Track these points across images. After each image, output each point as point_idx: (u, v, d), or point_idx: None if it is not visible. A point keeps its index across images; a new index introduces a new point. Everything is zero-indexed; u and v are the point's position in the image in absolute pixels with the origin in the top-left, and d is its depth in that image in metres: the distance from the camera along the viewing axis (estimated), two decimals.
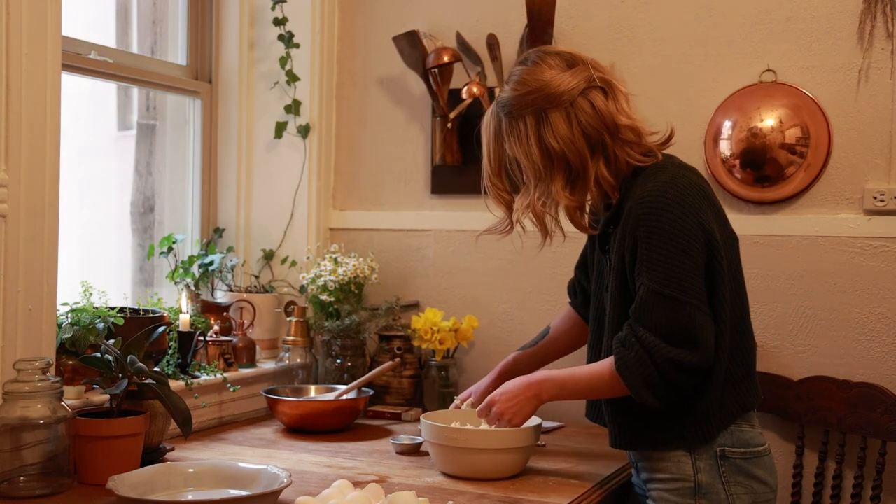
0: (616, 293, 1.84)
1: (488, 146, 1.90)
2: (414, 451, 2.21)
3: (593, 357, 1.95)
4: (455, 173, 2.85)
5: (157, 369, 2.07)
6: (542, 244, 1.92)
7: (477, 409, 2.00)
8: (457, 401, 2.22)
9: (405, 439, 2.24)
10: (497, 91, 2.71)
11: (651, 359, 1.73)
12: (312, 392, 2.57)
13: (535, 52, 1.88)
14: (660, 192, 1.75)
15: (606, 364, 1.81)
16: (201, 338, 2.41)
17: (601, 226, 1.91)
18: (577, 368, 1.91)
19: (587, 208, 1.90)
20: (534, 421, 2.02)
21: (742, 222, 2.51)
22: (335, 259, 2.79)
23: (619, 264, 1.82)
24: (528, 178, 1.85)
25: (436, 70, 2.76)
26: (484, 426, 2.04)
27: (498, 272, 2.81)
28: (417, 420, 2.53)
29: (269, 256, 2.96)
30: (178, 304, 2.46)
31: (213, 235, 2.99)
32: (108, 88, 2.89)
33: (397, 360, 2.66)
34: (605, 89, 1.82)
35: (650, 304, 1.73)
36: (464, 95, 2.75)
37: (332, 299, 2.75)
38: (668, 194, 1.74)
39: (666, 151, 1.90)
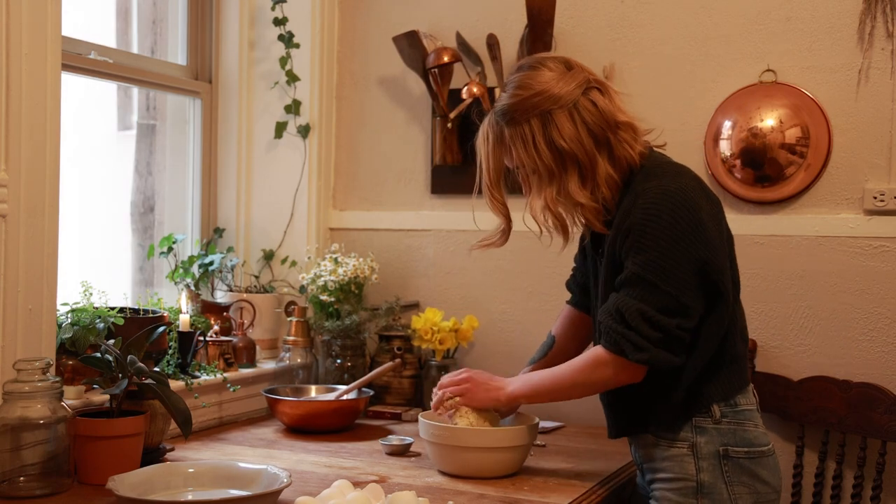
0: (608, 289, 1.84)
1: (487, 157, 1.89)
2: (403, 451, 2.21)
3: None
4: (455, 173, 2.85)
5: (157, 369, 2.07)
6: (564, 245, 1.90)
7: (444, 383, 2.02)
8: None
9: (394, 440, 2.24)
10: (497, 92, 2.71)
11: (619, 312, 1.76)
12: (313, 392, 2.57)
13: (531, 59, 1.90)
14: (662, 186, 1.77)
15: (579, 357, 1.86)
16: (201, 338, 2.41)
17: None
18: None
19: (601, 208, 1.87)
20: (531, 419, 2.02)
21: (742, 222, 2.52)
22: (335, 259, 2.79)
23: (611, 258, 1.83)
24: (541, 180, 1.83)
25: (436, 70, 2.76)
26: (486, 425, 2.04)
27: (498, 272, 2.81)
28: (417, 420, 2.54)
29: (269, 256, 2.96)
30: (178, 304, 2.46)
31: (213, 235, 2.99)
32: (108, 88, 2.89)
33: (397, 360, 2.66)
34: (601, 89, 1.85)
35: (630, 283, 1.76)
36: (464, 95, 2.75)
37: (332, 299, 2.75)
38: (671, 188, 1.76)
39: (663, 153, 1.91)
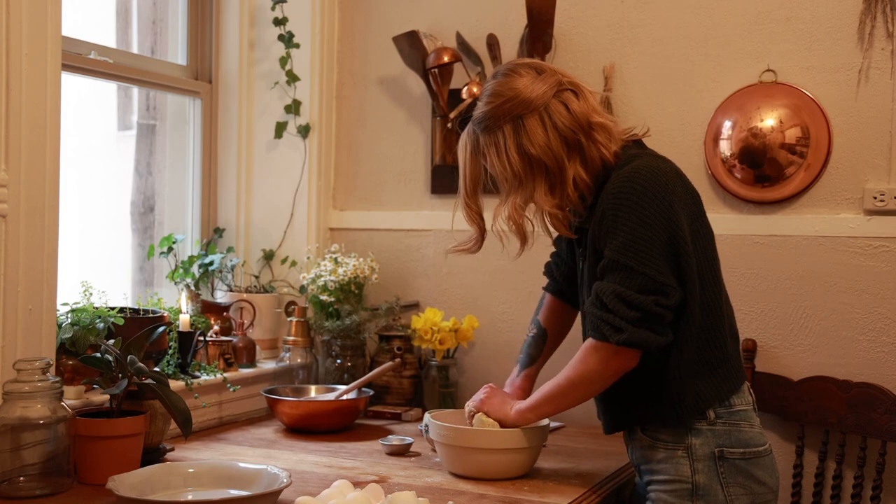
0: (592, 282, 1.84)
1: (464, 166, 1.93)
2: (403, 451, 2.21)
3: None
4: (455, 173, 2.83)
5: (157, 369, 2.07)
6: (520, 251, 1.95)
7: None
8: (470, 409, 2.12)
9: (394, 440, 2.24)
10: None
11: (598, 297, 1.77)
12: (312, 392, 2.57)
13: (505, 66, 1.92)
14: (634, 171, 1.78)
15: (573, 357, 1.86)
16: (201, 338, 2.41)
17: (578, 225, 1.92)
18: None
19: (569, 213, 1.90)
20: (542, 421, 2.02)
21: (742, 222, 2.52)
22: (335, 259, 2.79)
23: (593, 251, 1.84)
24: (510, 187, 1.86)
25: (436, 70, 2.76)
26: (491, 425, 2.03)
27: (498, 272, 2.81)
28: (418, 420, 2.54)
29: (269, 256, 2.96)
30: (178, 304, 2.46)
31: (213, 235, 2.99)
32: (108, 88, 2.89)
33: (397, 360, 2.66)
34: (575, 91, 1.86)
35: (608, 269, 1.77)
36: (464, 95, 2.74)
37: (333, 299, 2.75)
38: (643, 172, 1.78)
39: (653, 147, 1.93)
